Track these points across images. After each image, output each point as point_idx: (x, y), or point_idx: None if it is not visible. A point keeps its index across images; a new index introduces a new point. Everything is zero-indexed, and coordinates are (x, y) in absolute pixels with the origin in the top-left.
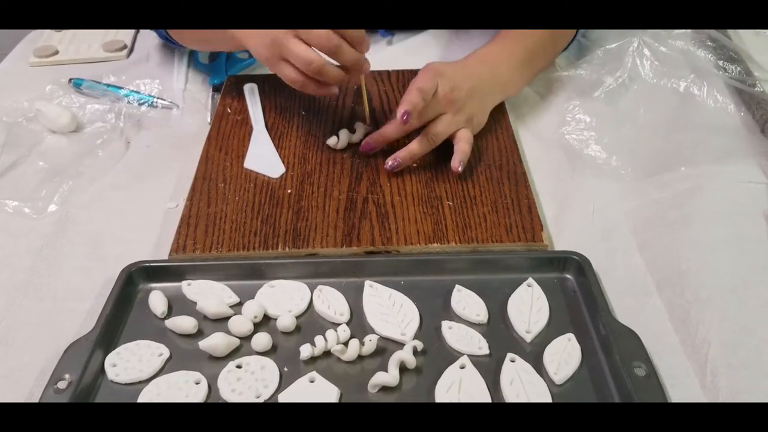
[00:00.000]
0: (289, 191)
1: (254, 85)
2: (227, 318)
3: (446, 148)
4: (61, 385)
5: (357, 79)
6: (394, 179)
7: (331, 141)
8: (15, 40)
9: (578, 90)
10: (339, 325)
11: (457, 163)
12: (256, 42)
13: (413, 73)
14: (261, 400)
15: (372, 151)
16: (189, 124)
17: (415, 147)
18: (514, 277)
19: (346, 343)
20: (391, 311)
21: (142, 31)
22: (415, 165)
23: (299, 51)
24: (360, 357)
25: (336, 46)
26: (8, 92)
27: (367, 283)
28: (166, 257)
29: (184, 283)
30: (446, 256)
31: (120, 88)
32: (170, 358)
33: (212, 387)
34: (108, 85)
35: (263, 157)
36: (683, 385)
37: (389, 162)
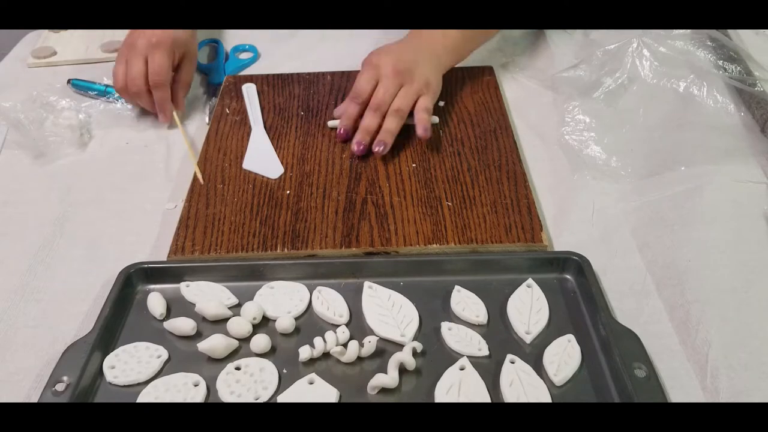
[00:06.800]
0: (288, 192)
1: (253, 86)
2: (226, 319)
3: (444, 148)
4: (60, 387)
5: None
6: (393, 180)
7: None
8: (13, 41)
9: (578, 90)
10: (338, 326)
11: (421, 131)
12: None
13: None
14: (260, 401)
15: (347, 137)
16: (187, 125)
17: (390, 125)
18: (514, 277)
19: (345, 345)
20: (391, 312)
21: None
22: (414, 165)
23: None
24: (359, 358)
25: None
26: (7, 93)
27: (367, 284)
28: (164, 258)
29: (182, 285)
30: (445, 257)
31: None
32: (169, 359)
33: (211, 389)
34: (106, 86)
35: (262, 157)
36: (683, 386)
37: (376, 148)
